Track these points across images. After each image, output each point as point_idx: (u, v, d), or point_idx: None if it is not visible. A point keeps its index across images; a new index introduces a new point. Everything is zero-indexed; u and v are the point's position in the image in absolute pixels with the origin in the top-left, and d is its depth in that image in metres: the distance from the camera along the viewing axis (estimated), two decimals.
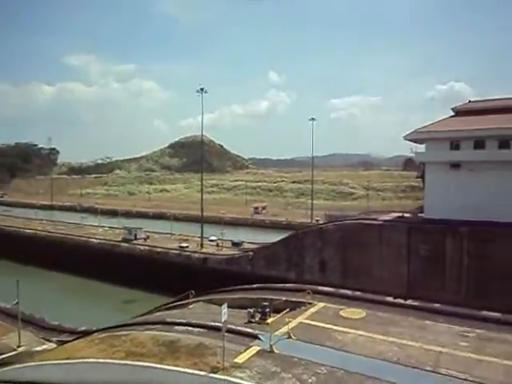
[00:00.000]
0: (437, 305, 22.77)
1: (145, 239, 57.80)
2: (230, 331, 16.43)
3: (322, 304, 21.75)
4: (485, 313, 21.42)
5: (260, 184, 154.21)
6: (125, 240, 58.26)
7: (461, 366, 14.64)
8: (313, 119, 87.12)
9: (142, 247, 55.03)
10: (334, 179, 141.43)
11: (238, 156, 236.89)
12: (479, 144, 48.55)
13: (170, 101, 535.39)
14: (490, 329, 18.41)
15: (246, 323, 19.80)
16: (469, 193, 47.41)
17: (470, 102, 57.25)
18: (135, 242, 57.21)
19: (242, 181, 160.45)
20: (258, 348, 16.38)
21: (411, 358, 15.37)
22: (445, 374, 14.10)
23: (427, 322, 19.24)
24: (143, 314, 26.77)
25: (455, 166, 49.46)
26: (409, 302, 23.00)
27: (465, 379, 13.68)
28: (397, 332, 17.85)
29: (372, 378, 13.89)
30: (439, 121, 53.69)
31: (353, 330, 18.08)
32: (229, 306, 16.60)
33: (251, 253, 53.23)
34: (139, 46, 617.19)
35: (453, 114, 55.16)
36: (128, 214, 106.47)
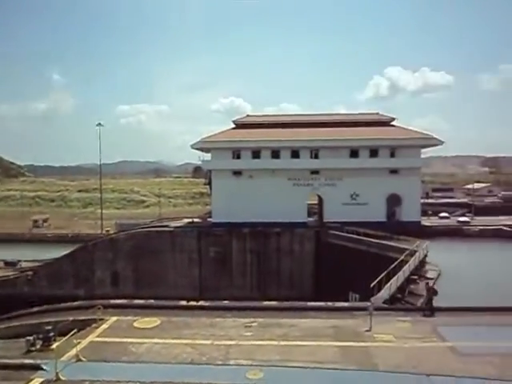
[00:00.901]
0: (225, 302, 24.62)
1: None
2: (2, 367, 14.07)
3: (114, 318, 20.78)
4: (265, 303, 24.21)
5: (40, 193, 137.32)
6: None
7: (246, 353, 16.13)
8: (100, 124, 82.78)
9: None
10: (125, 187, 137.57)
11: (12, 163, 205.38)
12: (256, 154, 55.07)
13: None
14: (269, 316, 20.82)
15: (24, 354, 17.28)
16: (249, 197, 53.13)
17: (248, 116, 64.29)
18: None
19: (16, 190, 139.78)
20: (42, 379, 14.51)
21: (204, 355, 16.13)
22: (233, 364, 15.30)
23: (217, 319, 20.51)
24: None
25: (237, 173, 54.74)
26: (201, 303, 24.17)
27: (250, 365, 15.12)
28: (190, 334, 18.47)
29: (167, 383, 14.01)
30: (222, 132, 58.59)
31: (148, 340, 17.86)
32: (0, 338, 14.23)
33: (30, 272, 47.05)
34: None
35: (234, 126, 60.94)
36: None
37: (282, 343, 17.19)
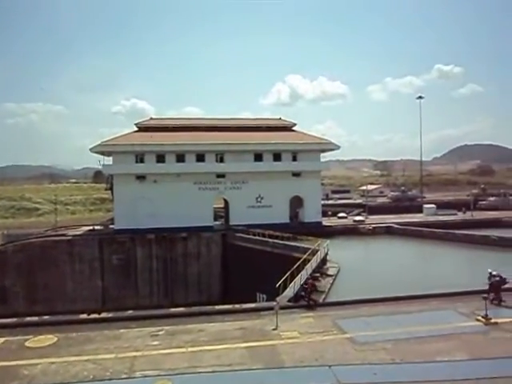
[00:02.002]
0: (130, 311, 23.65)
1: None
2: None
3: (1, 340, 18.75)
4: (172, 309, 23.68)
5: None
6: None
7: (153, 364, 15.59)
8: None
9: None
10: (14, 194, 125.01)
11: None
12: (160, 158, 53.81)
13: None
14: (176, 323, 20.40)
15: None
16: (154, 202, 51.70)
17: (151, 119, 62.68)
18: None
19: None
20: None
21: (107, 370, 15.25)
22: (139, 376, 14.69)
23: (121, 330, 19.56)
24: None
25: (141, 177, 53.00)
26: (103, 315, 22.87)
27: (157, 375, 14.63)
28: (92, 349, 17.36)
29: None
30: (124, 135, 56.35)
31: (43, 360, 16.39)
32: None
33: None
34: None
35: (137, 129, 58.94)
36: None
37: (191, 349, 16.95)
